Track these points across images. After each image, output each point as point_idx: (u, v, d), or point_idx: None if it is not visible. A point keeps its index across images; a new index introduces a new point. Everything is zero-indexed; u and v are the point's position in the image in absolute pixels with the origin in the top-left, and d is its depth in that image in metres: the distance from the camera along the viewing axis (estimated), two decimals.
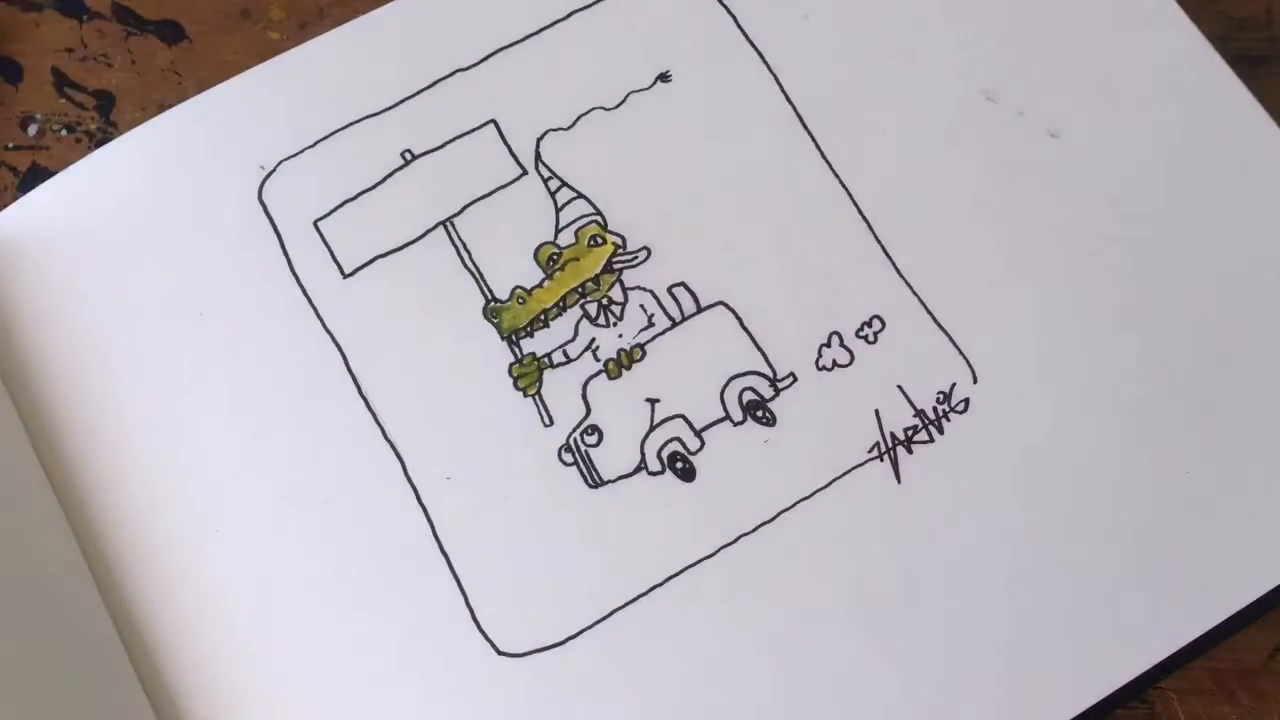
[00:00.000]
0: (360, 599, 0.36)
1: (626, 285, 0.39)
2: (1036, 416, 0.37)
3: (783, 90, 0.41)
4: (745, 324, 0.38)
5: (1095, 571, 0.36)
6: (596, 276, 0.39)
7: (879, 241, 0.39)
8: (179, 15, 0.43)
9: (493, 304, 0.39)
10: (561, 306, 0.39)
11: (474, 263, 0.39)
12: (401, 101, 0.41)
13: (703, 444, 0.37)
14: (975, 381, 0.38)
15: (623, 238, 0.39)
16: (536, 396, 0.38)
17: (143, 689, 0.35)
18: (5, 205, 0.40)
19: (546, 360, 0.38)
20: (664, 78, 0.41)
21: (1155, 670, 0.36)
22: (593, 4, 0.42)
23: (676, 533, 0.37)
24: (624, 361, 0.38)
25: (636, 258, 0.39)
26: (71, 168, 0.40)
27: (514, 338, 0.38)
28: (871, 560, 0.36)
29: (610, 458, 0.37)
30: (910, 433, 0.37)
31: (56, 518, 0.37)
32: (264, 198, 0.40)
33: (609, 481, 0.37)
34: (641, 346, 0.38)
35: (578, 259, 0.39)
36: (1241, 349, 0.38)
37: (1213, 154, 0.40)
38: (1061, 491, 0.37)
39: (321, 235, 0.39)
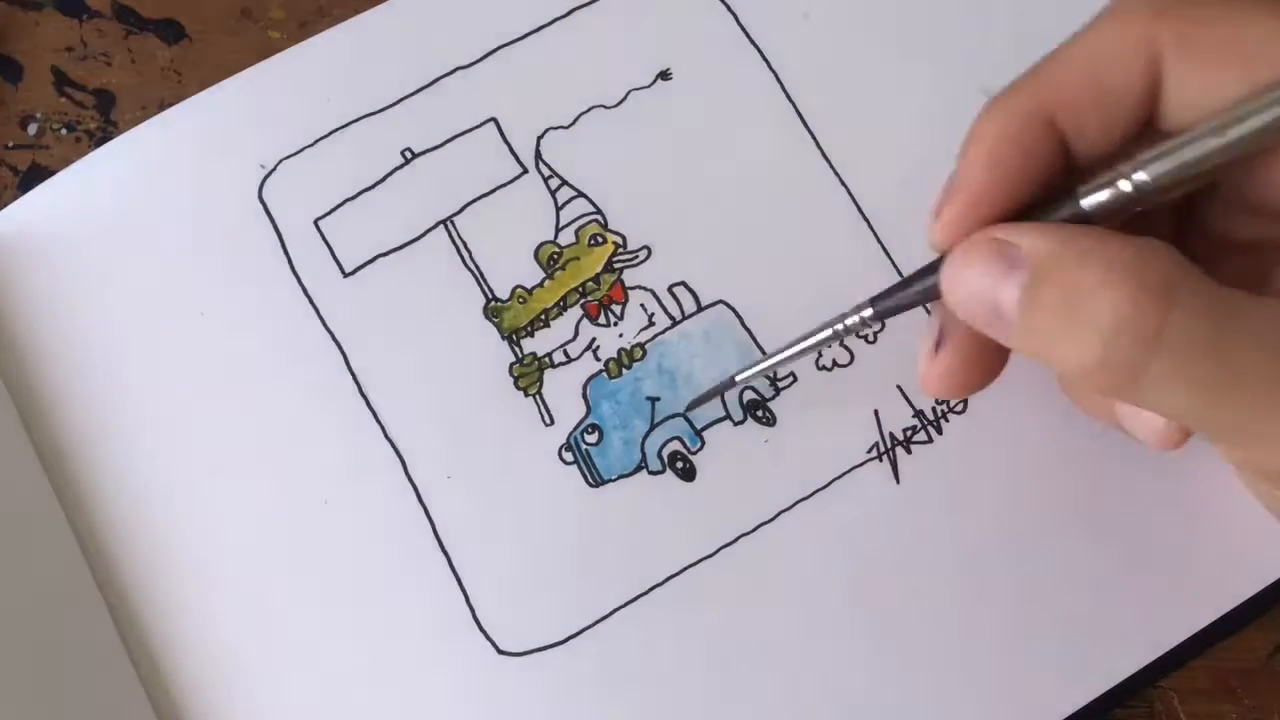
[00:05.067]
0: (360, 598, 0.36)
1: (627, 284, 0.39)
2: (1034, 416, 0.37)
3: (783, 88, 0.41)
4: (745, 323, 0.38)
5: (1093, 570, 0.36)
6: (597, 276, 0.39)
7: (879, 240, 0.39)
8: (179, 14, 0.43)
9: (493, 303, 0.39)
10: (562, 306, 0.39)
11: (474, 262, 0.39)
12: (401, 100, 0.41)
13: (703, 443, 0.37)
14: None
15: (623, 237, 0.39)
16: (537, 396, 0.38)
17: (143, 689, 0.35)
18: (5, 205, 0.40)
19: (547, 360, 0.38)
20: (665, 76, 0.41)
21: (1155, 669, 0.36)
22: (593, 1, 0.42)
23: (677, 532, 0.37)
24: (624, 361, 0.38)
25: (637, 257, 0.39)
26: (71, 167, 0.40)
27: (514, 337, 0.38)
28: (870, 560, 0.36)
29: (610, 457, 0.37)
30: (909, 433, 0.37)
31: (56, 517, 0.37)
32: (264, 196, 0.40)
33: (609, 481, 0.37)
34: (642, 345, 0.38)
35: (578, 258, 0.39)
36: None
37: None
38: (1059, 491, 0.37)
39: (322, 234, 0.39)
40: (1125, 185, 0.27)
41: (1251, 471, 0.29)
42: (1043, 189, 0.29)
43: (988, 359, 0.30)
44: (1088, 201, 0.27)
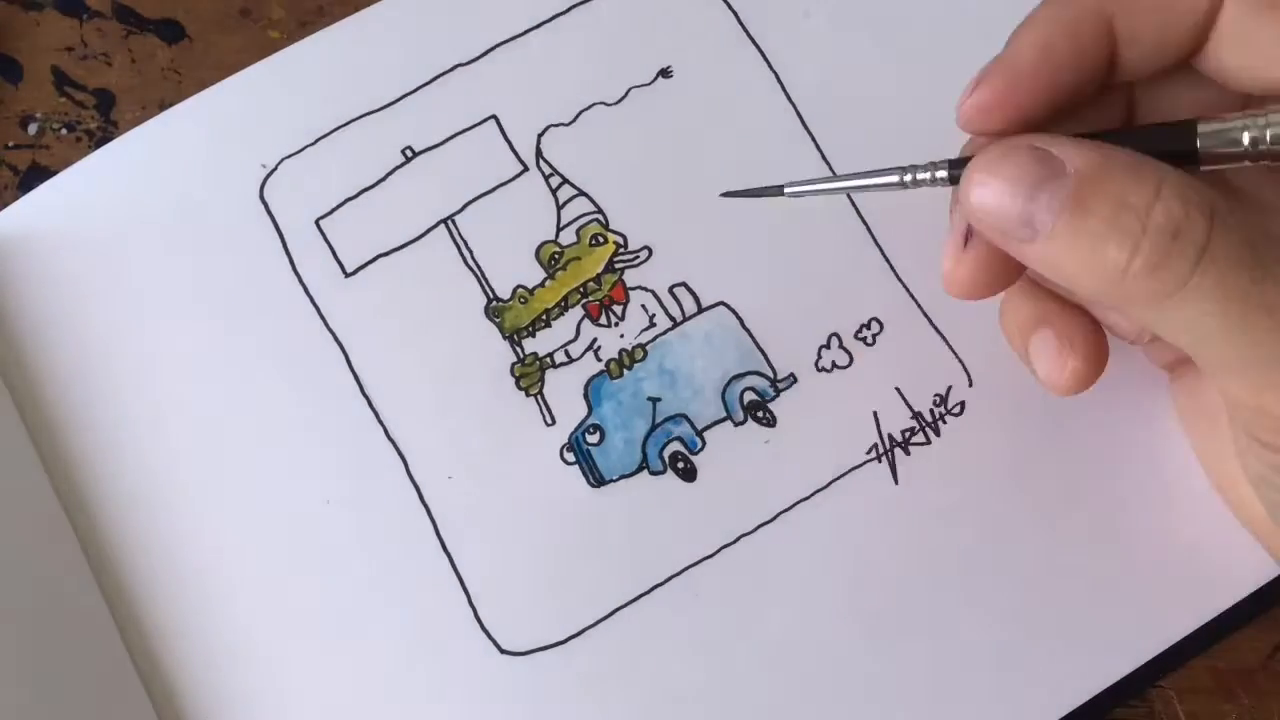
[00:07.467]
0: (362, 598, 0.36)
1: (628, 285, 0.39)
2: (1030, 419, 0.37)
3: (783, 87, 0.41)
4: (746, 324, 0.38)
5: (1092, 569, 0.36)
6: (598, 276, 0.39)
7: (877, 244, 0.39)
8: (179, 14, 0.43)
9: (494, 303, 0.39)
10: (563, 306, 0.39)
11: (475, 261, 0.39)
12: (402, 97, 0.41)
13: (704, 444, 0.37)
14: (971, 385, 0.38)
15: (624, 237, 0.39)
16: (538, 396, 0.38)
17: (144, 688, 0.36)
18: (5, 205, 0.40)
19: (549, 360, 0.38)
20: (665, 73, 0.41)
21: (1155, 669, 0.36)
22: None
23: (677, 532, 0.37)
24: (625, 361, 0.38)
25: (638, 257, 0.39)
26: (72, 167, 0.40)
27: (516, 337, 0.38)
28: (869, 560, 0.36)
29: (612, 457, 0.37)
30: (907, 434, 0.37)
31: (57, 517, 0.37)
32: (265, 196, 0.40)
33: (610, 481, 0.37)
34: (643, 346, 0.38)
35: (579, 258, 0.39)
36: None
37: None
38: (1056, 491, 0.37)
39: (323, 234, 0.39)
40: (1249, 134, 0.27)
41: (1245, 420, 0.29)
42: (1076, 95, 0.29)
43: (1009, 260, 0.30)
44: (1204, 130, 0.28)
